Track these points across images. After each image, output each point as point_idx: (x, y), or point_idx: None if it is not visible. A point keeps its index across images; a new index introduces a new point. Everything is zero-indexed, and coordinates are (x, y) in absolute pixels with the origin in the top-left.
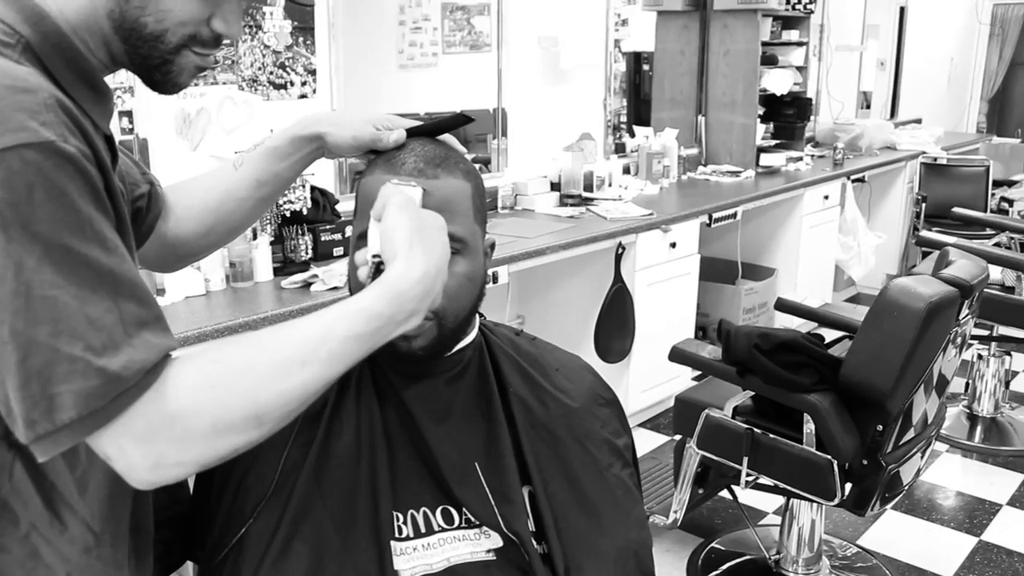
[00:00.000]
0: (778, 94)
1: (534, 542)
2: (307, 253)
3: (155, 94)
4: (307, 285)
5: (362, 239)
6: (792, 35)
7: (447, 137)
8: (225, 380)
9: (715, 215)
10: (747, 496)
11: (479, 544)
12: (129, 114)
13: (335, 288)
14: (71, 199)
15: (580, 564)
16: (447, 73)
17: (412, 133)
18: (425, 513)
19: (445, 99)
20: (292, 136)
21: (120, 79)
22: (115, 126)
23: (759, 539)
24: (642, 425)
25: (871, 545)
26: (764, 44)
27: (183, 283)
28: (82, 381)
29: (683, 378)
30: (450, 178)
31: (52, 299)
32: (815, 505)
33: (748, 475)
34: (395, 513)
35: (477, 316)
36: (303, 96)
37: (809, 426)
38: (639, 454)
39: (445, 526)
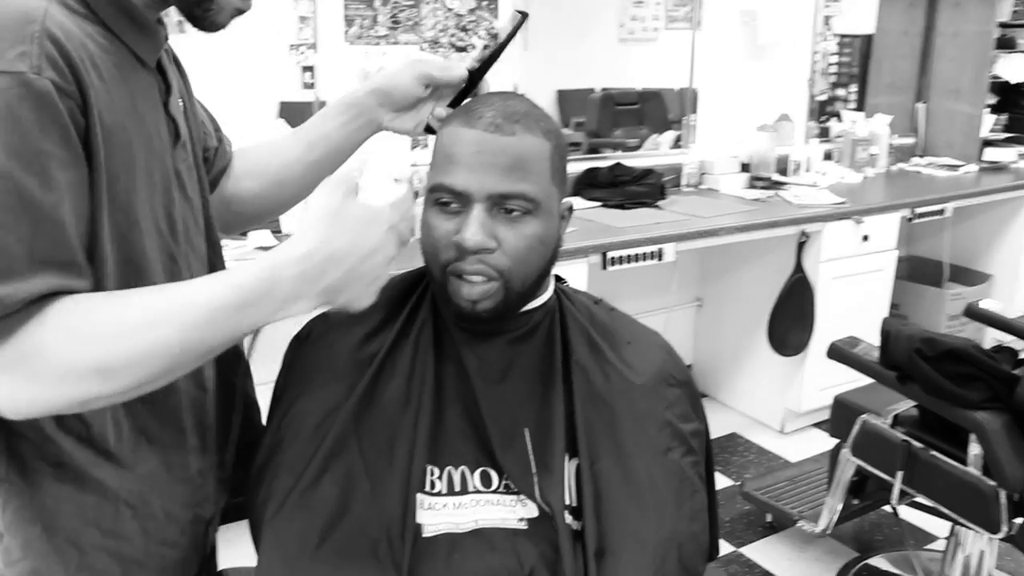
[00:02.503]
0: (1013, 82)
1: (571, 517)
2: None
3: (336, 50)
4: None
5: (434, 191)
6: None
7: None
8: (82, 328)
9: (918, 210)
10: (916, 516)
11: (513, 511)
12: (311, 69)
13: None
14: (25, 130)
15: (615, 546)
16: (665, 49)
17: (479, 72)
18: (463, 472)
19: (660, 75)
20: (340, 99)
21: (304, 35)
22: (297, 80)
23: (918, 563)
24: (816, 425)
25: None
26: (1001, 26)
27: None
28: None
29: (864, 380)
30: (527, 135)
31: None
32: (985, 535)
33: (904, 491)
34: (430, 467)
35: (553, 279)
36: None
37: (975, 447)
38: (805, 455)
39: (481, 488)
